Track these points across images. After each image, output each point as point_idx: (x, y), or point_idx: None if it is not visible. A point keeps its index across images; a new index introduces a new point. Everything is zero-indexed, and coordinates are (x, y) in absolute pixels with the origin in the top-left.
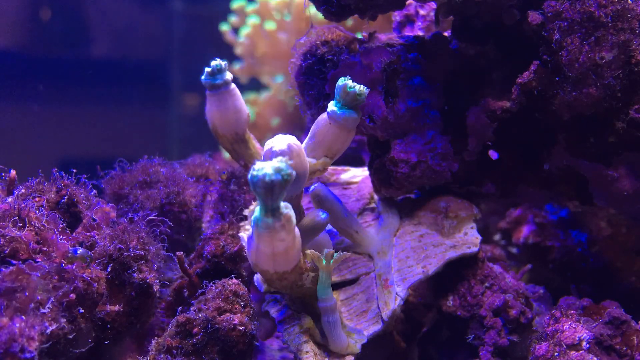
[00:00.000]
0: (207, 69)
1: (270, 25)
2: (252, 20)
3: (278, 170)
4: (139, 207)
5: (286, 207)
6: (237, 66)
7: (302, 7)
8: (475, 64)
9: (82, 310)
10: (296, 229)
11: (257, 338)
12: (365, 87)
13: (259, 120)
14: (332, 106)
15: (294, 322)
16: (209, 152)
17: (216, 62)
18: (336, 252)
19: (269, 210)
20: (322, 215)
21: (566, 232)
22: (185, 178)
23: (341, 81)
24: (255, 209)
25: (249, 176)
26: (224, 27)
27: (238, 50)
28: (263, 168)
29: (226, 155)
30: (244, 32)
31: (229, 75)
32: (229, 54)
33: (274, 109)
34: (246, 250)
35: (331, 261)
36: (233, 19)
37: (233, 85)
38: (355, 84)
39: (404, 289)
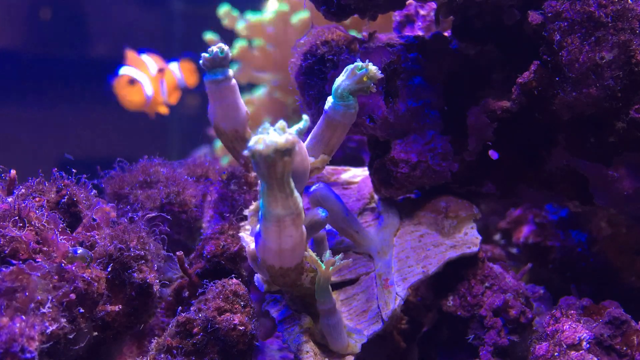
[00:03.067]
0: (206, 55)
1: (259, 42)
2: (240, 43)
3: (274, 142)
4: (139, 207)
5: (299, 200)
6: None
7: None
8: (476, 64)
9: (82, 310)
10: (303, 226)
11: (257, 338)
12: (380, 71)
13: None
14: (329, 102)
15: (294, 322)
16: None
17: (218, 49)
18: (336, 252)
19: (276, 197)
20: (322, 214)
21: (566, 232)
22: (185, 178)
23: (350, 66)
24: (258, 204)
25: (247, 150)
26: (209, 36)
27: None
28: (258, 138)
29: (224, 161)
30: (236, 51)
31: (230, 72)
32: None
33: (268, 109)
34: (248, 249)
35: (330, 268)
36: (226, 21)
37: (234, 81)
38: (369, 64)
39: (404, 289)
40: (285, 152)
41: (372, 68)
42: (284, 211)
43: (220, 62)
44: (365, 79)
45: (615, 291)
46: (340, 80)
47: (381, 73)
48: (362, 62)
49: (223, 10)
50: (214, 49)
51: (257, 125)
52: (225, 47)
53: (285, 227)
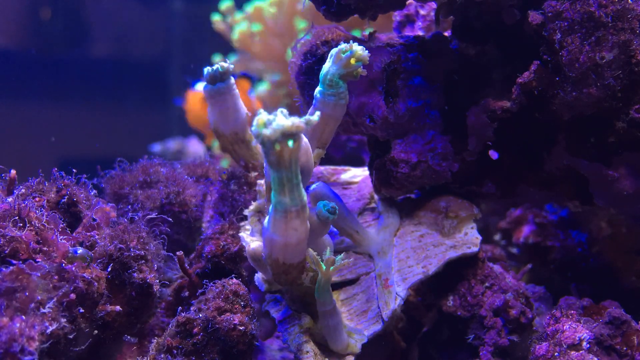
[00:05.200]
0: (209, 70)
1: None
2: (241, 27)
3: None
4: (139, 207)
5: (304, 193)
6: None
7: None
8: (476, 64)
9: (82, 310)
10: (307, 221)
11: (257, 338)
12: (366, 51)
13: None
14: (318, 95)
15: (294, 322)
16: (209, 152)
17: (219, 66)
18: (336, 252)
19: (284, 185)
20: (329, 215)
21: (566, 232)
22: (186, 178)
23: (334, 50)
24: (258, 204)
25: (253, 131)
26: (216, 17)
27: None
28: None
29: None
30: (236, 34)
31: (231, 80)
32: (227, 51)
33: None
34: (248, 248)
35: (331, 268)
36: (228, 19)
37: (234, 87)
38: (353, 44)
39: (404, 289)
40: (292, 135)
41: (358, 48)
42: (291, 201)
43: (221, 77)
44: (352, 61)
45: (615, 291)
46: (327, 66)
47: (368, 53)
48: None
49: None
50: (217, 66)
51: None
52: (226, 64)
53: (291, 218)
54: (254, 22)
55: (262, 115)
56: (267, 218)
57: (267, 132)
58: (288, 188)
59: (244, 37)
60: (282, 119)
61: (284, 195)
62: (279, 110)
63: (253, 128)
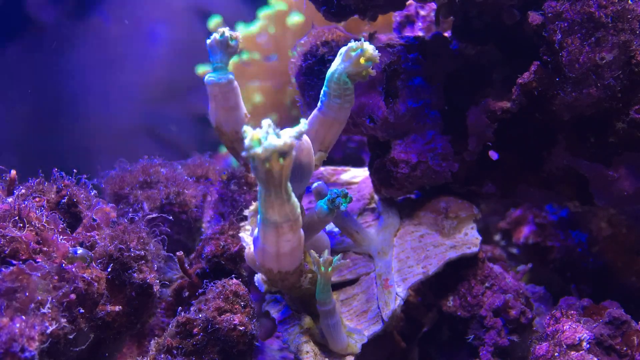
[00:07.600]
0: (216, 36)
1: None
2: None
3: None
4: (139, 208)
5: (295, 206)
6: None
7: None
8: (476, 65)
9: (82, 310)
10: (300, 230)
11: (257, 338)
12: (377, 50)
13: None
14: (322, 95)
15: (294, 322)
16: (209, 153)
17: (228, 34)
18: (337, 253)
19: (273, 202)
20: (343, 207)
21: (566, 232)
22: (186, 178)
23: (344, 48)
24: (257, 205)
25: (244, 152)
26: (200, 70)
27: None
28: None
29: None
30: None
31: (232, 75)
32: None
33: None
34: (247, 251)
35: (329, 268)
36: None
37: (236, 84)
38: (364, 43)
39: (404, 289)
40: (284, 154)
41: (369, 48)
42: (281, 218)
43: (227, 49)
44: (362, 60)
45: (615, 291)
46: (336, 64)
47: (378, 52)
48: None
49: (214, 22)
50: (225, 32)
51: (257, 124)
52: (238, 36)
53: (283, 232)
54: (244, 51)
55: (250, 131)
56: (256, 228)
57: (258, 151)
58: (277, 205)
59: (237, 67)
60: (274, 138)
61: (272, 213)
62: (266, 123)
63: (246, 142)
